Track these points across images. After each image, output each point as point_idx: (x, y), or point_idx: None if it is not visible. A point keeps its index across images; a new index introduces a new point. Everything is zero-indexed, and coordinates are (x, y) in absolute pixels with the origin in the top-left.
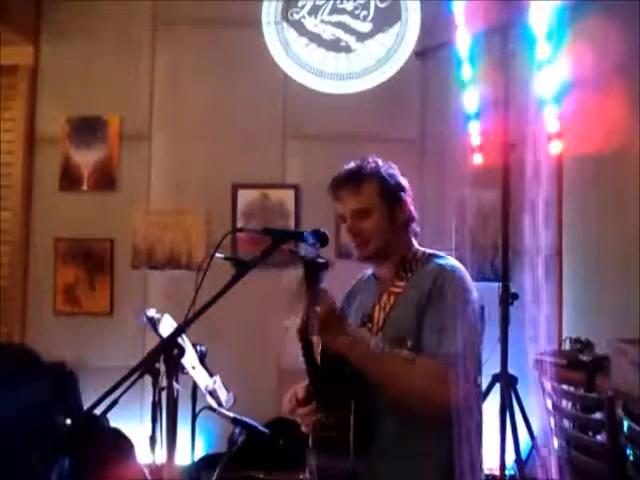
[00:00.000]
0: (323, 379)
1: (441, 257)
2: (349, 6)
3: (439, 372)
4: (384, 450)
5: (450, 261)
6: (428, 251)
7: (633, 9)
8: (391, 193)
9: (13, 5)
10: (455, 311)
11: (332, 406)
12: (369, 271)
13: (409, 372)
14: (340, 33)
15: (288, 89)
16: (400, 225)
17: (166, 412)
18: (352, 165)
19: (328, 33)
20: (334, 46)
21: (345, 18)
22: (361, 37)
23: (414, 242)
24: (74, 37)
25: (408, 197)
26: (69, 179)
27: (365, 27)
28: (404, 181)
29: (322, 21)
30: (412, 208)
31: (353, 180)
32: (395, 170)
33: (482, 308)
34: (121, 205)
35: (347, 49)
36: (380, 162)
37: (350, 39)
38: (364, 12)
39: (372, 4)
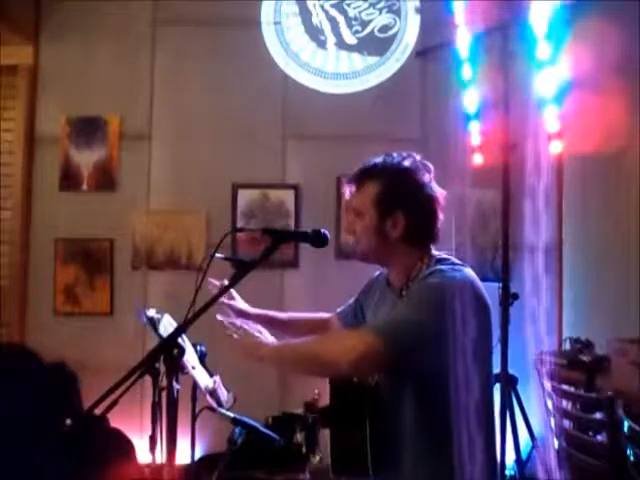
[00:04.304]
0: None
1: (449, 272)
2: (351, 12)
3: (357, 333)
4: (401, 464)
5: (452, 276)
6: (440, 266)
7: (633, 9)
8: (386, 205)
9: (13, 5)
10: (408, 308)
11: (346, 426)
12: (383, 273)
13: (323, 338)
14: (326, 27)
15: (288, 89)
16: (393, 240)
17: (166, 412)
18: (372, 160)
19: (317, 19)
20: (312, 33)
21: (340, 19)
22: (340, 44)
23: (424, 255)
24: (74, 37)
25: (415, 213)
26: (69, 179)
27: (350, 39)
28: (424, 193)
29: (321, 6)
30: (417, 224)
31: (359, 177)
32: (421, 175)
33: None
34: (121, 205)
35: (321, 44)
36: (401, 167)
37: (330, 39)
38: (358, 27)
39: (370, 27)
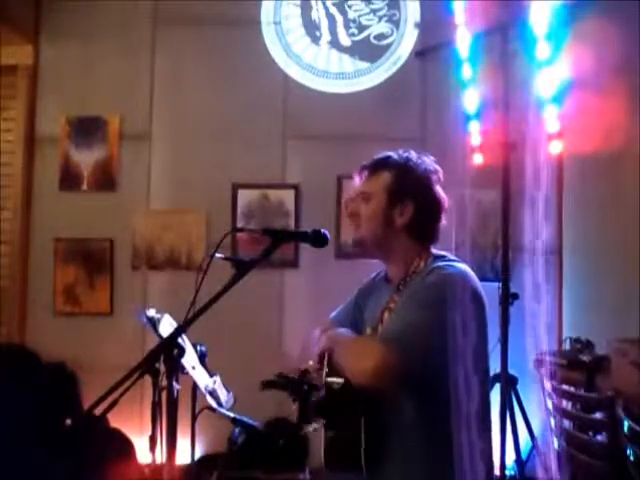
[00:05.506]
0: (332, 397)
1: (445, 268)
2: (352, 14)
3: (372, 347)
4: (396, 462)
5: (445, 270)
6: (438, 263)
7: (633, 9)
8: (398, 193)
9: (13, 5)
10: (414, 310)
11: (342, 422)
12: (382, 272)
13: (351, 345)
14: (324, 24)
15: (288, 89)
16: (397, 228)
17: (166, 412)
18: (388, 152)
19: (316, 15)
20: (308, 27)
21: (339, 19)
22: (333, 43)
23: (423, 251)
24: (74, 37)
25: (423, 207)
26: (69, 179)
27: (345, 41)
28: (434, 191)
29: (323, 2)
30: (422, 219)
31: (374, 165)
32: (432, 175)
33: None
34: (121, 205)
35: (315, 39)
36: (417, 162)
37: (325, 36)
38: (355, 30)
39: (367, 32)
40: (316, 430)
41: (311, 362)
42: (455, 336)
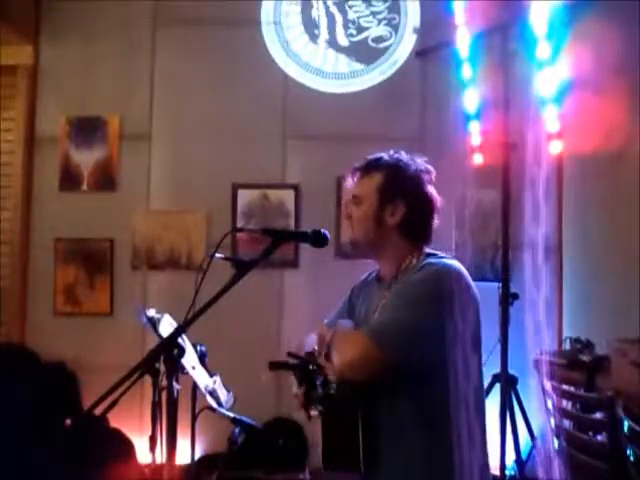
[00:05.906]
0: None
1: (436, 264)
2: (351, 14)
3: (356, 339)
4: (395, 460)
5: (437, 266)
6: (430, 260)
7: (633, 9)
8: (389, 193)
9: (13, 5)
10: (401, 304)
11: (339, 425)
12: (375, 271)
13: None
14: (322, 23)
15: (288, 89)
16: (389, 228)
17: (166, 412)
18: (380, 154)
19: (316, 13)
20: (307, 25)
21: (339, 18)
22: (331, 42)
23: (415, 250)
24: (74, 37)
25: (414, 206)
26: (69, 179)
27: (343, 41)
28: (425, 191)
29: (324, 0)
30: (413, 218)
31: (365, 166)
32: (424, 175)
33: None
34: (121, 205)
35: (313, 37)
36: (407, 162)
37: (323, 35)
38: (354, 31)
39: (365, 34)
40: (322, 413)
41: (316, 347)
42: (451, 331)
